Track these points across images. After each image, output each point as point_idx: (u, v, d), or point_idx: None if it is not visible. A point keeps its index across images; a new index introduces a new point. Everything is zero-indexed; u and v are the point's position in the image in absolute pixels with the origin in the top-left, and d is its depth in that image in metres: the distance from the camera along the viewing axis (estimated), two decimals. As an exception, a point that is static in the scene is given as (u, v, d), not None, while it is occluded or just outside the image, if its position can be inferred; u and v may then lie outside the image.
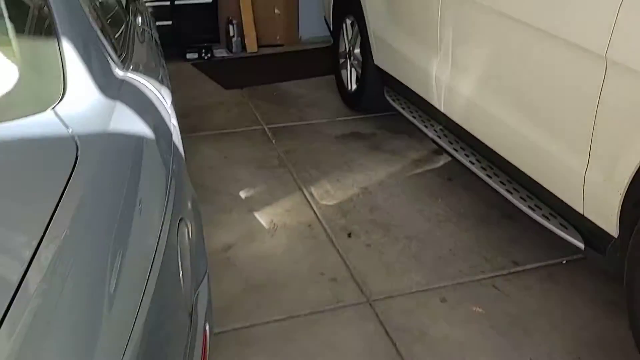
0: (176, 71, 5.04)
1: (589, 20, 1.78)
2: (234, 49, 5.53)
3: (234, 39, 5.51)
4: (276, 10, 5.73)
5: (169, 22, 5.11)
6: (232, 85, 4.68)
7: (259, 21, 5.66)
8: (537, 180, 2.21)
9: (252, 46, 5.58)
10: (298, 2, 5.78)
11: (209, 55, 5.31)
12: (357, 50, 3.88)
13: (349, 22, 3.98)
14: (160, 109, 1.53)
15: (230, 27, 5.49)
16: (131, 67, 1.58)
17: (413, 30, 3.10)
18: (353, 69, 4.00)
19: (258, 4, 5.63)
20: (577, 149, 1.91)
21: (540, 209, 2.26)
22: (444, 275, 2.47)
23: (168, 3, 5.07)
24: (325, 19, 4.50)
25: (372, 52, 3.58)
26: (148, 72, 1.75)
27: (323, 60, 4.84)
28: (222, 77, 4.88)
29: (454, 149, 2.79)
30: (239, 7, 5.55)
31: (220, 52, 5.48)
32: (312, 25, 5.56)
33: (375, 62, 3.57)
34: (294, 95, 4.49)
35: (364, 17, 3.63)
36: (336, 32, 4.20)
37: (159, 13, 5.02)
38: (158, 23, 5.04)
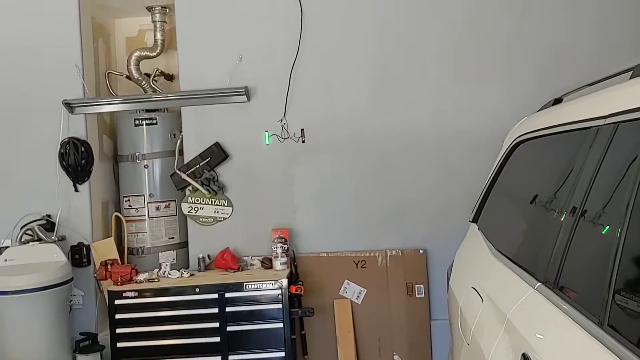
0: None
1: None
2: (318, 404, 3.31)
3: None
4: (395, 357, 3.65)
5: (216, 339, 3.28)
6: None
7: (366, 370, 3.57)
8: None
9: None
10: (431, 345, 3.69)
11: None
12: None
13: None
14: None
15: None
16: None
17: None
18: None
19: (367, 347, 3.66)
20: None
21: None
22: None
23: (216, 310, 3.35)
24: None
25: None
26: None
27: None
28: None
29: None
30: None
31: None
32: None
33: None
34: None
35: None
36: None
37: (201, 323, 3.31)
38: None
